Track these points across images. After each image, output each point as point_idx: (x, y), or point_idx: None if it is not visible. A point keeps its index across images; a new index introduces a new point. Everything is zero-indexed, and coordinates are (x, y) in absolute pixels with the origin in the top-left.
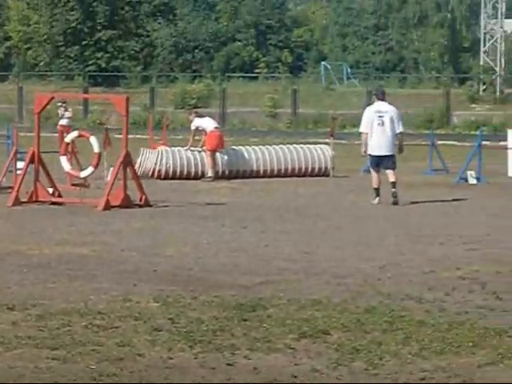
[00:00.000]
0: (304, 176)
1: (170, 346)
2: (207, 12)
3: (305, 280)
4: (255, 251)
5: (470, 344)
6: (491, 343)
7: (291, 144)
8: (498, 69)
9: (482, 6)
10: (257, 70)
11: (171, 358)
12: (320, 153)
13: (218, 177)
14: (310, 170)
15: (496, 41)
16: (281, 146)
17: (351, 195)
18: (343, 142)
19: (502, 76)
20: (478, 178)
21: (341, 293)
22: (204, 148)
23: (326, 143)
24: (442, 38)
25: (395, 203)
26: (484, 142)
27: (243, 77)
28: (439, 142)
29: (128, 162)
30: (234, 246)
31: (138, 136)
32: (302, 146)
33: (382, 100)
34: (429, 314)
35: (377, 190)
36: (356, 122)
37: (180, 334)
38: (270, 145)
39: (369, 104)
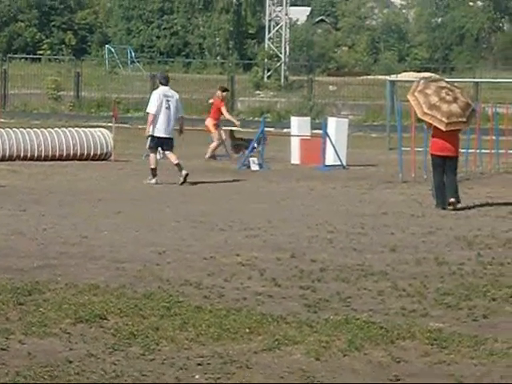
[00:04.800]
0: (86, 160)
1: None
2: None
3: (83, 264)
4: (33, 235)
5: (247, 330)
6: (268, 329)
7: (73, 127)
8: (282, 56)
9: None
10: (40, 52)
11: None
12: (101, 137)
13: None
14: (91, 154)
15: (281, 28)
16: (62, 129)
17: (132, 180)
18: (126, 125)
19: (286, 63)
20: (260, 165)
21: (119, 278)
22: None
23: (108, 127)
24: (227, 23)
25: (184, 182)
26: (267, 129)
27: (25, 58)
28: (223, 128)
29: None
30: (12, 229)
31: None
32: (83, 129)
33: (166, 85)
34: (207, 299)
35: (154, 170)
36: (140, 106)
37: None
38: (52, 128)
39: (154, 88)
